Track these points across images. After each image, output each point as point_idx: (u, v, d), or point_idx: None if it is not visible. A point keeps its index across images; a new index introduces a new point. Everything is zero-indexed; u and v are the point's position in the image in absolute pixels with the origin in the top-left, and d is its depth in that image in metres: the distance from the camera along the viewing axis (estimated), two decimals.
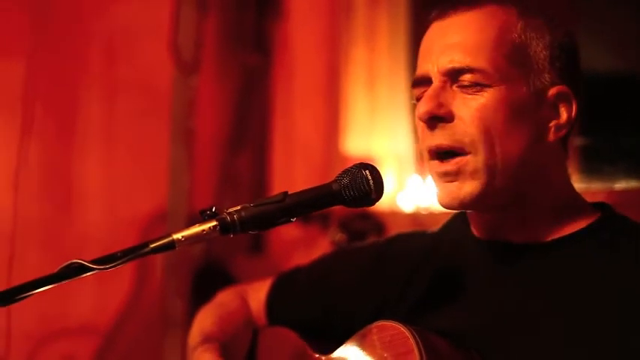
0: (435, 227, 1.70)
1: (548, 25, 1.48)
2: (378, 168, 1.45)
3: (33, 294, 1.34)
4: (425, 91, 1.46)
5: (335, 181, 1.43)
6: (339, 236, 2.65)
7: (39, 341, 3.35)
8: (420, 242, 1.66)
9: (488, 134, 1.41)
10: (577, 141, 2.93)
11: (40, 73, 3.16)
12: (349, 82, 3.31)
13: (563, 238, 1.45)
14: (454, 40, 1.46)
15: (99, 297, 3.38)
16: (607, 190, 2.80)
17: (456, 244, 1.58)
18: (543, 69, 1.46)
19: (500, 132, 1.42)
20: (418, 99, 1.49)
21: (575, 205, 1.50)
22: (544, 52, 1.46)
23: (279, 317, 1.79)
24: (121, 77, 3.51)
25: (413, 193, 3.06)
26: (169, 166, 3.26)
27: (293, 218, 1.42)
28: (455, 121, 1.43)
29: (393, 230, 2.81)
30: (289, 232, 3.26)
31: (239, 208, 1.40)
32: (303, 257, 3.24)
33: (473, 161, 1.42)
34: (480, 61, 1.43)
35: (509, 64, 1.43)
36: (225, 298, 1.85)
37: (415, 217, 2.92)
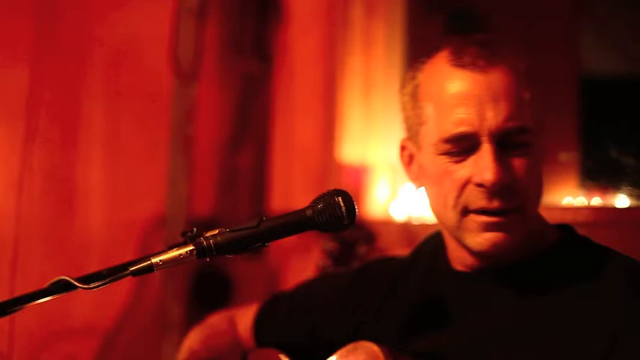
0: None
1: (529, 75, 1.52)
2: (350, 195, 1.48)
3: (25, 307, 1.40)
4: (462, 147, 1.45)
5: (309, 206, 1.47)
6: (330, 245, 2.66)
7: (41, 341, 3.41)
8: (392, 267, 1.73)
9: (530, 191, 1.47)
10: (575, 156, 2.91)
11: (43, 79, 3.22)
12: (346, 91, 3.33)
13: (528, 260, 1.51)
14: (504, 98, 1.43)
15: (101, 298, 3.43)
16: (607, 207, 2.77)
17: (429, 269, 1.65)
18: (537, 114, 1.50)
19: (536, 187, 1.48)
20: (450, 153, 1.47)
21: (542, 227, 1.56)
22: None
23: (266, 341, 1.88)
24: (123, 85, 3.56)
25: (405, 202, 3.08)
26: (169, 172, 3.31)
27: (267, 243, 1.47)
28: (515, 185, 1.45)
29: (385, 239, 2.84)
30: (287, 238, 3.30)
31: (216, 232, 1.45)
32: (299, 263, 3.30)
33: (521, 217, 1.46)
34: (528, 120, 1.45)
35: (536, 120, 1.48)
36: (214, 320, 1.95)
37: (406, 226, 2.94)
